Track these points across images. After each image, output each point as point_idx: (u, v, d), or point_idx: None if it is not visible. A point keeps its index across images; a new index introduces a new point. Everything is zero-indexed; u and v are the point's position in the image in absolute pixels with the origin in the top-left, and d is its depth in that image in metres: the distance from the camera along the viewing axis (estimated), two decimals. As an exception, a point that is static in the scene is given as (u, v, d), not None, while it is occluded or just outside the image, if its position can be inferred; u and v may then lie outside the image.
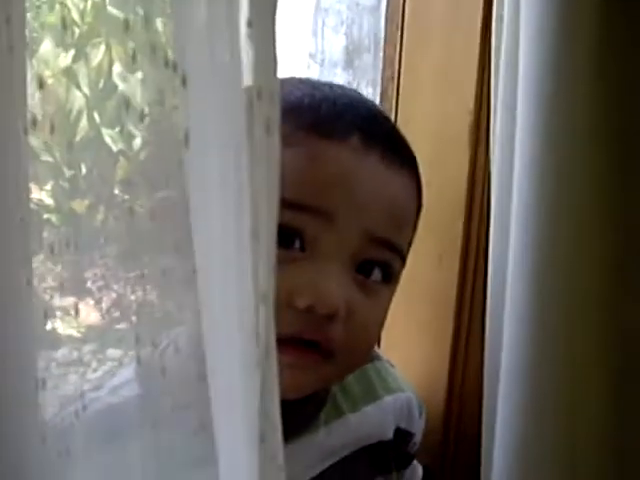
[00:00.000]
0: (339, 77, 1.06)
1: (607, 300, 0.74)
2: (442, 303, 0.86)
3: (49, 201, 0.35)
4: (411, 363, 0.86)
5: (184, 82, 0.30)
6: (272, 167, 0.31)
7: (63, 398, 0.37)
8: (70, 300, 0.37)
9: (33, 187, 0.34)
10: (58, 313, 0.37)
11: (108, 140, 0.38)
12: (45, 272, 0.33)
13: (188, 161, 0.32)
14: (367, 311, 0.52)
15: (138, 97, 0.37)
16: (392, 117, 0.88)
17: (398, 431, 0.66)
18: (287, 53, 1.02)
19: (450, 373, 0.86)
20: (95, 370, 0.39)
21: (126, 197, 0.38)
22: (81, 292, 0.38)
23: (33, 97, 0.33)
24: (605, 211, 0.73)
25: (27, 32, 0.32)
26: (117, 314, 0.40)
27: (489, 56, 0.79)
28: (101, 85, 0.39)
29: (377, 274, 0.53)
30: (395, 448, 0.66)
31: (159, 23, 0.33)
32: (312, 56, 1.07)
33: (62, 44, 0.38)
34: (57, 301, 0.35)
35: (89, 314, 0.39)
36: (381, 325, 0.57)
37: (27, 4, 0.32)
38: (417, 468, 0.72)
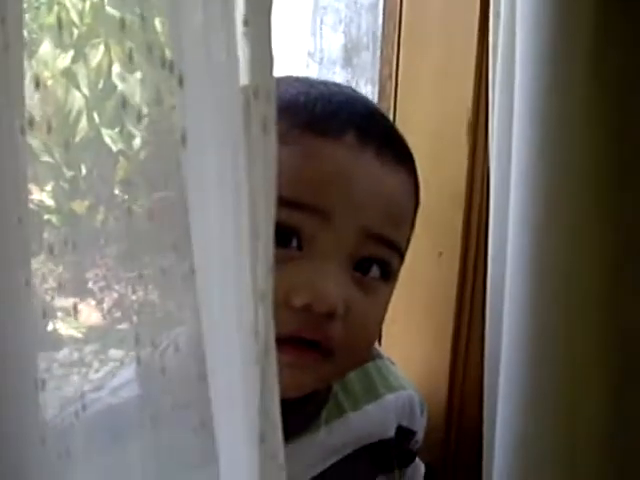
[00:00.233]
0: (338, 75, 1.06)
1: (607, 299, 0.74)
2: (442, 301, 0.86)
3: (49, 202, 0.35)
4: (411, 361, 0.86)
5: (181, 82, 0.31)
6: (269, 166, 0.31)
7: (64, 399, 0.37)
8: (71, 301, 0.37)
9: (33, 188, 0.34)
10: (59, 314, 0.37)
11: (108, 140, 0.38)
12: (46, 273, 0.34)
13: (186, 161, 0.32)
14: (366, 309, 0.52)
15: (137, 97, 0.37)
16: (390, 115, 0.88)
17: (400, 429, 0.66)
18: (286, 52, 1.02)
19: (451, 371, 0.86)
20: (97, 370, 0.39)
21: (126, 197, 0.38)
22: (82, 293, 0.38)
23: (32, 98, 0.33)
24: (604, 210, 0.73)
25: (25, 33, 0.32)
26: (118, 314, 0.40)
27: (487, 54, 0.79)
28: (100, 85, 0.39)
29: (375, 271, 0.53)
30: (397, 446, 0.66)
31: (157, 23, 0.33)
32: (311, 54, 1.07)
33: (61, 45, 0.38)
34: (58, 302, 0.36)
35: (90, 315, 0.39)
36: (380, 323, 0.57)
37: (25, 5, 0.32)
38: (419, 466, 0.73)
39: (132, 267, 0.39)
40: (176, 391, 0.37)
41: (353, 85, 1.01)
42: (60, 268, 0.35)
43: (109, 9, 0.40)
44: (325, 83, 0.57)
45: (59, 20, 0.38)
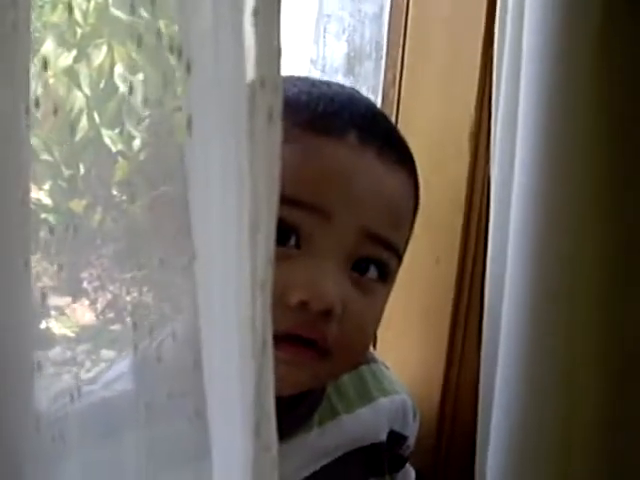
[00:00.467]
0: (340, 84, 1.06)
1: (607, 301, 0.74)
2: (438, 306, 0.86)
3: (47, 200, 0.35)
4: (406, 366, 0.86)
5: (189, 68, 0.30)
6: (273, 157, 0.31)
7: (54, 396, 0.37)
8: (65, 300, 0.37)
9: (32, 186, 0.34)
10: (53, 312, 0.36)
11: (107, 141, 0.38)
12: (41, 271, 0.33)
13: (190, 149, 0.31)
14: (363, 309, 0.52)
15: (139, 98, 0.37)
16: (393, 120, 0.88)
17: (392, 434, 0.66)
18: (289, 59, 1.03)
19: (445, 377, 0.86)
20: (88, 370, 0.39)
21: (124, 198, 0.38)
22: (76, 292, 0.38)
23: (34, 94, 0.33)
24: (605, 213, 0.73)
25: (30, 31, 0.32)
26: (112, 315, 0.40)
27: (491, 62, 0.79)
28: (102, 86, 0.39)
29: (373, 272, 0.53)
30: (388, 451, 0.66)
31: (164, 6, 0.33)
32: (313, 62, 1.07)
33: (64, 44, 0.38)
34: (52, 300, 0.35)
35: (84, 314, 0.39)
36: (377, 324, 0.57)
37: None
38: (410, 472, 0.72)
39: (127, 268, 0.39)
40: (172, 380, 0.37)
41: (355, 93, 1.01)
42: (56, 267, 0.35)
43: (113, 10, 0.40)
44: (328, 83, 0.57)
45: (63, 19, 0.38)
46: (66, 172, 0.37)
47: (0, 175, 0.31)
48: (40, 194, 0.33)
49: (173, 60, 0.31)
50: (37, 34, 0.36)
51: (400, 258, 0.56)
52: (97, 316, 0.40)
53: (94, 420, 0.38)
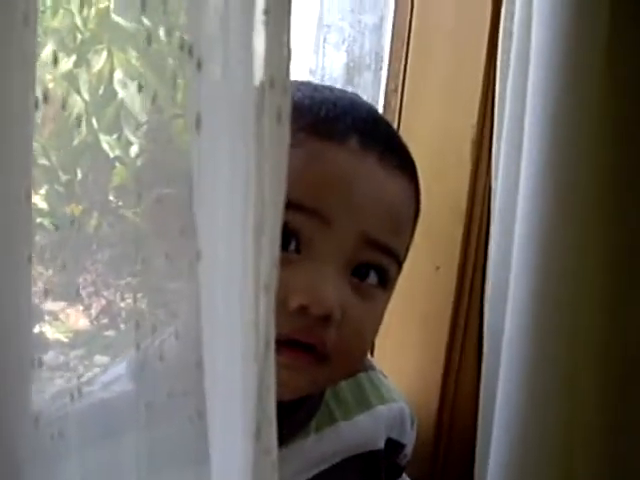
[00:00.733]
0: (339, 94, 1.06)
1: (610, 305, 0.75)
2: (438, 314, 0.86)
3: (43, 205, 0.35)
4: (404, 374, 0.86)
5: (199, 66, 0.30)
6: (281, 158, 0.30)
7: (47, 401, 0.36)
8: (59, 305, 0.37)
9: (28, 190, 0.34)
10: (47, 317, 0.36)
11: (105, 146, 0.38)
12: (35, 276, 0.33)
13: (198, 147, 0.31)
14: (362, 314, 0.52)
15: (137, 104, 0.37)
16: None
17: (389, 442, 0.66)
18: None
19: (442, 386, 0.86)
20: (81, 376, 0.39)
21: (120, 204, 0.38)
22: (71, 297, 0.38)
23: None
24: (608, 218, 0.74)
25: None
26: (106, 320, 0.40)
27: (494, 71, 0.80)
28: (101, 91, 0.39)
29: (373, 278, 0.53)
30: (386, 459, 0.66)
31: (175, 4, 0.33)
32: (312, 72, 1.07)
33: (64, 49, 0.38)
34: (46, 305, 0.35)
35: (78, 319, 0.39)
36: (376, 330, 0.56)
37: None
38: None
39: (123, 274, 0.39)
40: (173, 379, 0.36)
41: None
42: (50, 272, 0.35)
43: (114, 16, 0.40)
44: (330, 88, 0.57)
45: (64, 24, 0.38)
46: (63, 177, 0.37)
47: (6, 170, 0.31)
48: (36, 198, 0.33)
49: (184, 58, 0.31)
50: (38, 39, 0.36)
51: (400, 264, 0.55)
52: (91, 322, 0.39)
53: (94, 420, 0.38)
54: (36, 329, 0.35)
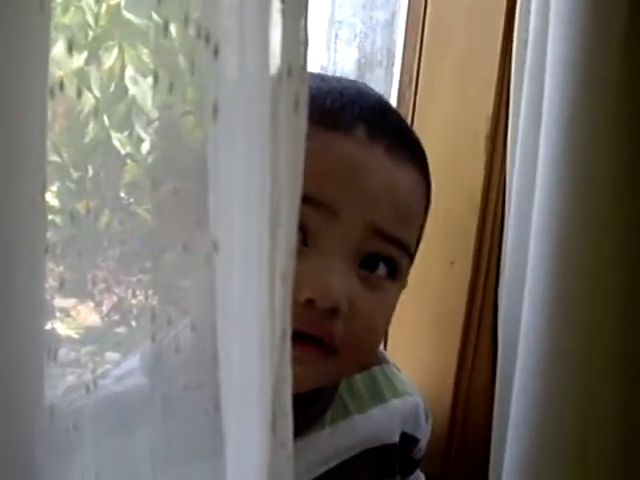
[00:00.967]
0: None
1: (626, 301, 0.75)
2: (451, 310, 0.86)
3: (54, 202, 0.35)
4: (417, 369, 0.85)
5: (216, 53, 0.30)
6: (298, 148, 0.30)
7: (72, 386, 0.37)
8: (70, 301, 0.37)
9: (39, 187, 0.34)
10: (58, 314, 0.36)
11: (116, 143, 0.39)
12: (47, 272, 0.33)
13: (215, 137, 0.31)
14: (371, 306, 0.51)
15: (149, 101, 0.37)
16: (409, 122, 0.88)
17: (404, 436, 0.66)
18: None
19: (456, 381, 0.86)
20: (93, 372, 0.39)
21: (131, 200, 0.38)
22: (82, 294, 0.38)
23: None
24: (625, 214, 0.74)
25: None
26: (117, 317, 0.40)
27: (509, 64, 0.79)
28: (112, 88, 0.39)
29: (382, 269, 0.52)
30: (400, 453, 0.66)
31: None
32: (324, 68, 1.07)
33: (75, 45, 0.38)
34: (57, 302, 0.35)
35: (89, 316, 0.39)
36: (386, 323, 0.56)
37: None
38: (420, 477, 0.72)
39: (134, 271, 0.39)
40: (189, 371, 0.36)
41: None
42: (61, 268, 0.35)
43: (125, 12, 0.40)
44: (338, 78, 0.56)
45: (74, 21, 0.38)
46: (74, 174, 0.37)
47: (23, 165, 0.31)
48: (47, 195, 0.33)
49: (200, 46, 0.30)
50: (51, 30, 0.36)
51: (411, 257, 0.55)
52: (102, 318, 0.40)
53: (109, 413, 0.38)
54: (48, 325, 0.35)
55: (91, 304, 0.39)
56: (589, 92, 0.69)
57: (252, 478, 0.32)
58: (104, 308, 0.39)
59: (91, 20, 0.39)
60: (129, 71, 0.39)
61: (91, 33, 0.39)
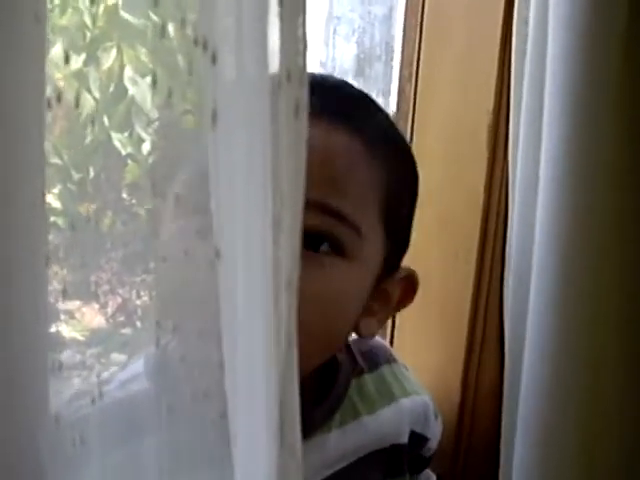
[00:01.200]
0: (350, 85, 1.05)
1: (634, 294, 0.74)
2: (457, 304, 0.85)
3: (56, 204, 0.35)
4: (423, 366, 0.85)
5: (214, 60, 0.29)
6: (299, 151, 0.30)
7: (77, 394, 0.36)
8: (75, 304, 0.37)
9: (41, 190, 0.34)
10: (62, 316, 0.36)
11: (117, 144, 0.38)
12: (51, 275, 0.33)
13: (214, 143, 0.30)
14: (317, 286, 0.48)
15: (148, 101, 0.37)
16: (409, 117, 0.88)
17: (413, 435, 0.65)
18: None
19: (463, 377, 0.85)
20: (99, 374, 0.39)
21: (133, 201, 0.38)
22: (86, 296, 0.38)
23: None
24: (633, 207, 0.73)
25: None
26: (122, 318, 0.40)
27: (509, 56, 0.79)
28: (111, 89, 0.39)
29: (325, 246, 0.49)
30: (409, 452, 0.65)
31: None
32: (323, 64, 1.07)
33: (74, 47, 0.38)
34: (62, 304, 0.35)
35: (94, 318, 0.39)
36: (343, 302, 0.52)
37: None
38: (431, 477, 0.72)
39: (138, 272, 0.39)
40: (196, 380, 0.36)
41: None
42: (65, 271, 0.35)
43: (123, 13, 0.40)
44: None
45: (72, 23, 0.38)
46: (76, 176, 0.37)
47: (21, 171, 0.31)
48: (49, 197, 0.33)
49: (198, 52, 0.30)
50: (47, 37, 0.36)
51: (357, 231, 0.50)
52: (107, 320, 0.39)
53: (115, 423, 0.37)
54: (52, 328, 0.35)
55: (96, 306, 0.39)
56: (591, 80, 0.69)
57: (261, 486, 0.32)
58: (109, 309, 0.39)
59: (89, 21, 0.39)
60: (128, 71, 0.39)
61: (89, 34, 0.39)
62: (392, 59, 0.99)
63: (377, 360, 0.65)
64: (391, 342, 0.88)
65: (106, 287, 0.38)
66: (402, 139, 0.58)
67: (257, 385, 0.31)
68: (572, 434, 0.73)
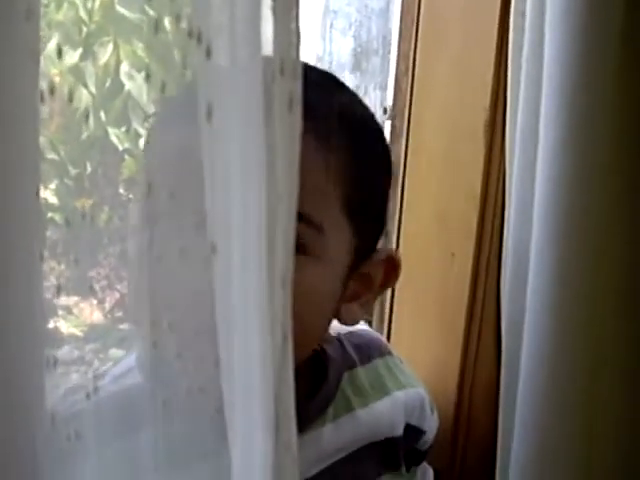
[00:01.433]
0: (347, 80, 1.05)
1: (630, 293, 0.74)
2: (453, 302, 0.85)
3: (53, 200, 0.35)
4: (420, 361, 0.85)
5: (208, 53, 0.29)
6: (293, 145, 0.30)
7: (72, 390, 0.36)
8: (73, 299, 0.37)
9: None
10: (60, 312, 0.36)
11: (114, 139, 0.38)
12: (48, 271, 0.33)
13: (209, 137, 0.30)
14: None
15: (144, 96, 0.37)
16: (405, 112, 0.88)
17: (408, 428, 0.65)
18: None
19: (460, 373, 0.85)
20: (97, 369, 0.39)
21: (130, 197, 0.38)
22: (84, 291, 0.38)
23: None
24: (629, 208, 0.73)
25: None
26: (120, 314, 0.40)
27: (506, 51, 0.79)
28: (108, 84, 0.39)
29: None
30: (405, 445, 0.65)
31: None
32: (319, 58, 1.07)
33: (70, 42, 0.37)
34: (60, 300, 0.35)
35: (92, 313, 0.39)
36: (317, 298, 0.51)
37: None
38: (428, 470, 0.72)
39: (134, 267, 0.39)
40: (191, 375, 0.36)
41: (362, 90, 1.01)
42: (63, 267, 0.35)
43: (119, 8, 0.40)
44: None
45: (68, 18, 0.38)
46: (72, 171, 0.37)
47: (17, 167, 0.31)
48: (46, 193, 0.33)
49: (192, 45, 0.30)
50: (42, 33, 0.36)
51: (318, 228, 0.49)
52: (105, 315, 0.39)
53: (110, 418, 0.37)
54: (50, 324, 0.35)
55: (94, 301, 0.39)
56: (588, 76, 0.69)
57: (257, 481, 0.32)
58: (107, 305, 0.39)
59: (85, 16, 0.38)
60: (124, 66, 0.39)
61: (85, 29, 0.39)
62: (389, 53, 0.99)
63: (370, 353, 0.65)
64: (388, 339, 0.88)
65: (104, 282, 0.38)
66: (364, 121, 0.55)
67: (253, 380, 0.31)
68: (569, 434, 0.74)
